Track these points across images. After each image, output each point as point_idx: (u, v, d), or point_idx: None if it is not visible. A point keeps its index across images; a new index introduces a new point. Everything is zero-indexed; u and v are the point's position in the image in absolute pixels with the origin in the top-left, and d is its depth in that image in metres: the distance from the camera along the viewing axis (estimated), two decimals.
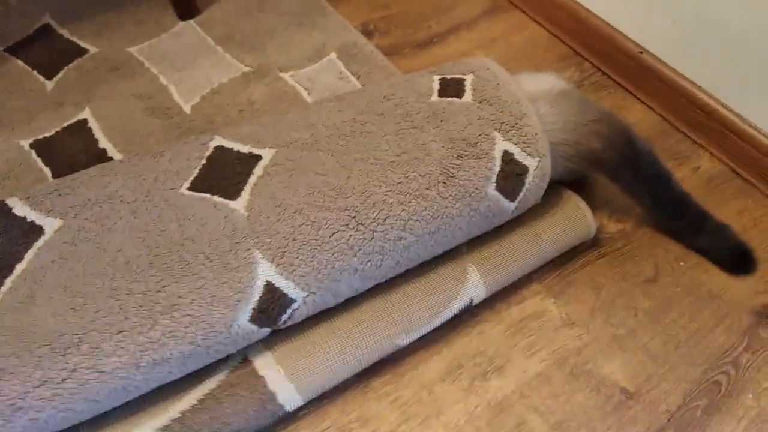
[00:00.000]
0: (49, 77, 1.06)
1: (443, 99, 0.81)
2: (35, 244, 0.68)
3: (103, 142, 0.97)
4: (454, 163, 0.75)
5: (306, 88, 1.07)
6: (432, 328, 0.78)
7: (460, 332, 0.82)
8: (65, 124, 0.99)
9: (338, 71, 1.10)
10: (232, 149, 0.77)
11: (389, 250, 0.72)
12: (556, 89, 0.83)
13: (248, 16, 1.19)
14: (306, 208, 0.70)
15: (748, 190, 1.01)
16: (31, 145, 0.96)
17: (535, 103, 0.81)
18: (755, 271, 0.90)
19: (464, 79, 0.84)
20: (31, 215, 0.71)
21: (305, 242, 0.68)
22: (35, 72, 1.07)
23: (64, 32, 1.13)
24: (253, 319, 0.66)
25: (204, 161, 0.76)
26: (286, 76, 1.09)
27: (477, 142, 0.76)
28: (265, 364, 0.70)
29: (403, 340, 0.76)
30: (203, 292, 0.64)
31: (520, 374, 0.79)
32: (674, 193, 0.85)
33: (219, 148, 0.77)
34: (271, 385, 0.69)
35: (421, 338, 0.78)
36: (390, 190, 0.72)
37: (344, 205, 0.70)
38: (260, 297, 0.66)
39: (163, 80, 1.06)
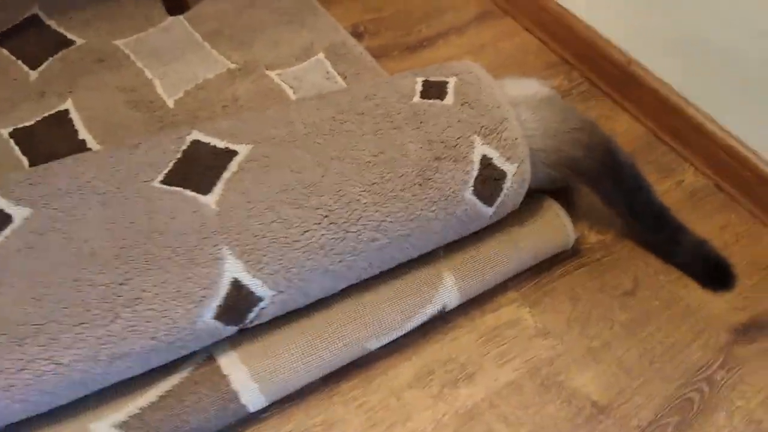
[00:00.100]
0: (33, 67, 1.05)
1: (425, 101, 0.80)
2: (2, 232, 0.67)
3: (83, 134, 0.96)
4: (431, 165, 0.74)
5: (292, 87, 1.06)
6: (403, 333, 0.77)
7: (432, 338, 0.81)
8: (46, 114, 0.98)
9: (325, 71, 1.09)
10: (208, 144, 0.76)
11: (362, 251, 0.71)
12: (539, 95, 0.83)
13: (238, 13, 1.18)
14: (278, 205, 0.69)
15: (732, 206, 1.00)
16: (11, 134, 0.95)
17: (516, 108, 0.80)
18: (733, 287, 0.89)
19: (447, 82, 0.83)
20: (1, 203, 0.70)
21: (275, 240, 0.67)
22: (20, 62, 1.06)
23: (52, 23, 1.13)
24: (219, 317, 0.65)
25: (180, 155, 0.75)
26: (272, 74, 1.08)
27: (456, 145, 0.76)
28: (230, 363, 0.69)
29: (373, 344, 0.75)
30: (168, 286, 0.63)
31: (490, 383, 0.78)
32: (653, 206, 0.84)
33: (196, 143, 0.76)
34: (235, 384, 0.68)
35: (391, 343, 0.77)
36: (365, 190, 0.71)
37: (317, 204, 0.69)
38: (226, 294, 0.65)
39: (148, 74, 1.06)
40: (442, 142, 0.75)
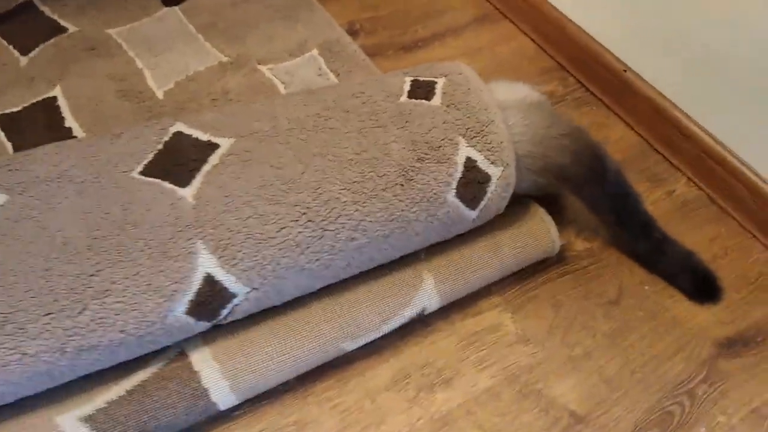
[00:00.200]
0: (24, 53, 1.05)
1: (411, 100, 0.79)
2: None
3: (70, 121, 0.95)
4: (414, 166, 0.73)
5: (284, 82, 1.05)
6: (381, 335, 0.76)
7: (411, 341, 0.80)
8: (34, 101, 0.97)
9: (318, 68, 1.08)
10: (191, 136, 0.75)
11: (340, 250, 0.70)
12: (528, 100, 0.81)
13: (233, 6, 1.17)
14: (255, 200, 0.68)
15: (723, 218, 0.99)
16: None
17: (504, 112, 0.79)
18: (719, 301, 0.88)
19: (436, 82, 0.82)
20: None
21: (250, 236, 0.66)
22: (11, 47, 1.05)
23: (46, 9, 1.12)
24: (191, 312, 0.64)
25: (161, 146, 0.74)
26: (264, 68, 1.07)
27: (439, 146, 0.75)
28: (201, 359, 0.68)
29: (349, 345, 0.74)
30: (138, 279, 0.62)
31: (468, 388, 0.77)
32: (639, 215, 0.83)
33: (178, 134, 0.75)
34: (205, 381, 0.67)
35: (369, 344, 0.76)
36: (345, 189, 0.70)
37: (295, 201, 0.68)
38: (198, 289, 0.64)
39: (139, 64, 1.05)
40: (426, 143, 0.74)
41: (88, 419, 0.63)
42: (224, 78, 1.04)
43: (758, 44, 0.87)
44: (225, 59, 1.07)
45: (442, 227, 0.76)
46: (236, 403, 0.69)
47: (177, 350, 0.69)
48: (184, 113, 0.97)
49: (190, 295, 0.64)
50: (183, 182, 0.69)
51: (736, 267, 0.93)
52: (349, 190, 0.70)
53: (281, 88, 1.04)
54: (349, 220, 0.69)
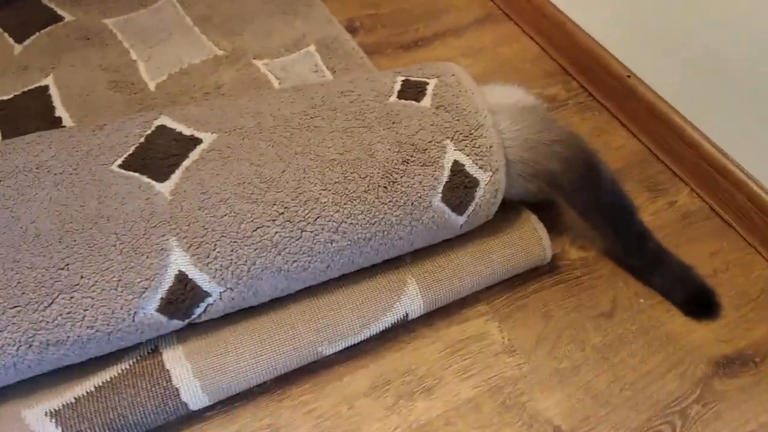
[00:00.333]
0: (19, 41, 1.04)
1: (400, 101, 0.77)
2: None
3: (60, 111, 0.94)
4: (398, 168, 0.71)
5: (278, 78, 1.04)
6: (360, 340, 0.74)
7: (393, 346, 0.77)
8: (25, 89, 0.97)
9: (314, 64, 1.07)
10: (174, 130, 0.74)
11: (318, 252, 0.68)
12: (521, 104, 0.79)
13: (232, 0, 1.16)
14: (232, 198, 0.66)
15: (725, 232, 0.96)
16: None
17: (496, 116, 0.77)
18: (717, 317, 0.85)
19: (427, 83, 0.80)
20: None
21: (225, 234, 0.64)
22: (6, 34, 1.05)
23: None
24: (162, 310, 0.63)
25: (142, 139, 0.73)
26: (259, 63, 1.05)
27: (426, 149, 0.72)
28: (174, 358, 0.66)
29: (327, 349, 0.72)
30: (108, 274, 0.61)
31: (449, 398, 0.74)
32: (634, 226, 0.80)
33: (161, 128, 0.74)
34: (176, 380, 0.65)
35: (349, 348, 0.74)
36: (325, 189, 0.68)
37: (273, 200, 0.66)
38: (170, 287, 0.62)
39: (133, 55, 1.04)
40: (412, 145, 0.72)
41: (55, 414, 0.62)
42: (218, 72, 1.03)
43: (758, 44, 0.83)
44: (220, 53, 1.06)
45: (428, 232, 0.74)
46: (208, 403, 0.67)
47: (151, 347, 0.67)
48: (171, 106, 0.96)
49: (161, 293, 0.62)
50: (161, 177, 0.68)
51: (737, 283, 0.90)
52: (329, 190, 0.68)
53: (275, 83, 1.03)
54: (328, 221, 0.67)
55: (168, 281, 0.62)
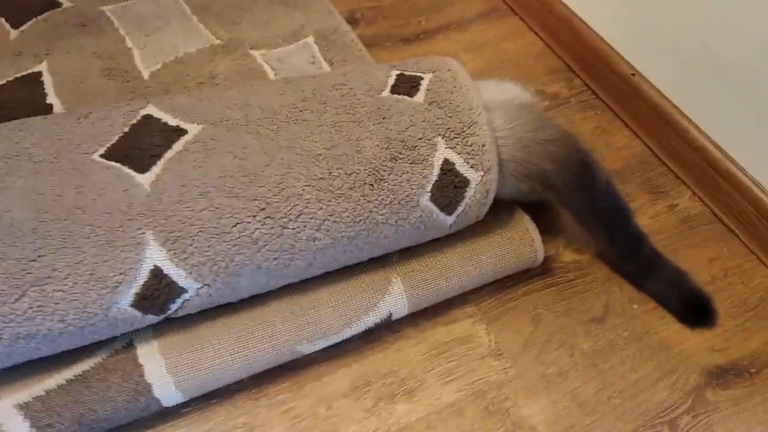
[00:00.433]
0: (15, 26, 1.03)
1: (393, 95, 0.75)
2: None
3: (52, 98, 0.93)
4: (386, 165, 0.69)
5: (274, 69, 1.02)
6: (341, 339, 0.72)
7: (376, 347, 0.76)
8: (18, 75, 0.96)
9: (311, 55, 1.05)
10: (160, 120, 0.72)
11: (300, 250, 0.66)
12: (517, 101, 0.77)
13: None
14: (213, 192, 0.64)
15: (727, 237, 0.93)
16: None
17: (490, 113, 0.74)
18: (713, 325, 0.82)
19: (422, 78, 0.77)
20: None
21: (203, 229, 0.63)
22: (2, 20, 1.04)
23: None
24: (136, 305, 0.62)
25: (127, 129, 0.71)
26: (256, 53, 1.03)
27: (415, 146, 0.70)
28: (148, 353, 0.65)
29: (306, 348, 0.70)
30: (81, 268, 0.59)
31: (431, 401, 0.73)
32: (629, 229, 0.78)
33: (147, 117, 0.73)
34: (149, 376, 0.64)
35: (331, 347, 0.73)
36: (309, 185, 0.66)
37: (254, 195, 0.65)
38: (145, 282, 0.61)
39: (128, 42, 1.02)
40: (401, 141, 0.70)
41: (24, 407, 0.61)
42: (213, 61, 1.01)
43: (758, 44, 0.80)
44: (217, 42, 1.04)
45: (415, 231, 0.72)
46: (182, 401, 0.66)
47: (126, 341, 0.66)
48: (160, 96, 0.94)
49: (135, 288, 0.61)
50: (143, 168, 0.67)
51: (735, 290, 0.87)
52: (313, 186, 0.66)
53: (271, 74, 1.01)
54: (311, 219, 0.66)
55: (143, 276, 0.61)
